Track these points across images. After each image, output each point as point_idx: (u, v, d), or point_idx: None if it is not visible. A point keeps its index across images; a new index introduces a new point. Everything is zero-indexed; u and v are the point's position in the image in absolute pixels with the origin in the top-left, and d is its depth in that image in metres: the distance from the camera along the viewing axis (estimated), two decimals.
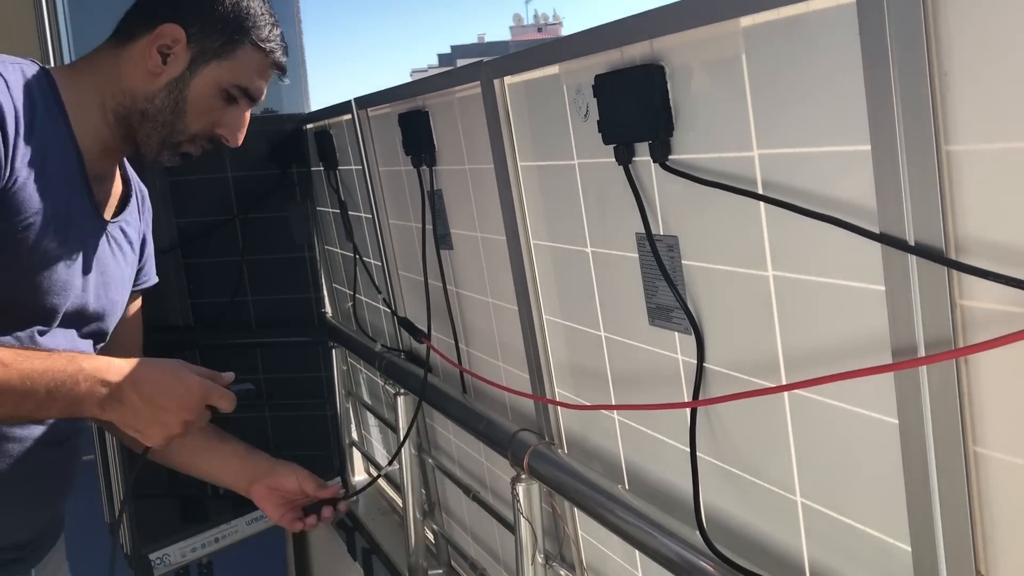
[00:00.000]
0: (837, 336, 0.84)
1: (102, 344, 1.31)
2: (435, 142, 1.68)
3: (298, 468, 1.52)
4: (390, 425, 2.38)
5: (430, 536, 2.18)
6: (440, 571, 2.20)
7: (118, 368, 1.12)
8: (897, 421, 0.78)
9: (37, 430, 1.22)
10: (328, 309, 2.70)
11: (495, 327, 1.62)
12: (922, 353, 0.73)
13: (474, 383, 1.77)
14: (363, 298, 2.39)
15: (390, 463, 2.24)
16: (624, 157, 1.07)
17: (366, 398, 2.71)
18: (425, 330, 1.86)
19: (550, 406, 1.43)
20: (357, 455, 2.75)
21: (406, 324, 1.85)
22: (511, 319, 1.51)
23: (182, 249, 2.57)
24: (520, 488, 1.44)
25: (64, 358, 1.09)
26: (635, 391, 1.21)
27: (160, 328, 2.59)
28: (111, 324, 1.31)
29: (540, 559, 1.45)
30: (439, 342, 1.86)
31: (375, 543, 2.25)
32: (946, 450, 0.74)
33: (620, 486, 1.26)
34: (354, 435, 2.76)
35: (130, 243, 1.34)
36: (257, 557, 2.80)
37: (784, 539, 0.96)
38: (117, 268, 1.30)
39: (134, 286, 1.42)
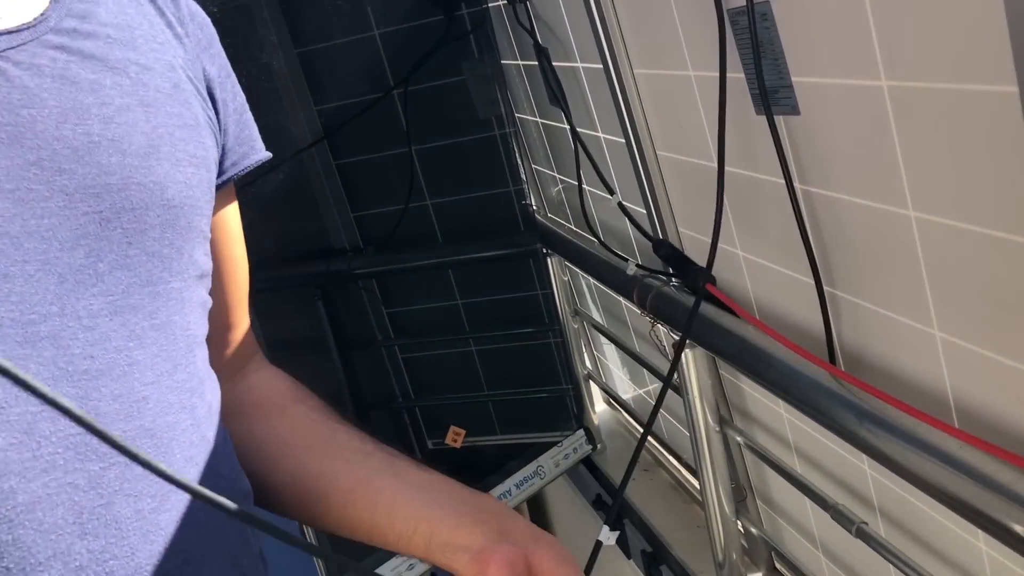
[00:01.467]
0: None
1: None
2: None
3: (556, 547, 0.69)
4: (653, 369, 1.66)
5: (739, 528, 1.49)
6: (759, 574, 1.52)
7: None
8: None
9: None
10: (532, 202, 1.96)
11: (924, 264, 0.82)
12: None
13: (855, 353, 0.99)
14: (591, 189, 1.63)
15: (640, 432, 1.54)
16: None
17: (597, 316, 2.00)
18: (705, 263, 1.08)
19: None
20: (595, 390, 2.08)
21: (671, 255, 1.07)
22: (985, 251, 0.72)
23: (330, 145, 1.89)
24: None
25: None
26: None
27: (318, 254, 1.96)
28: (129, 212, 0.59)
29: None
30: (766, 276, 1.09)
31: (657, 541, 1.58)
32: None
33: None
34: (588, 364, 2.07)
35: (122, 69, 0.61)
36: None
37: None
38: (74, 107, 0.57)
39: (224, 168, 0.72)
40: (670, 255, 1.05)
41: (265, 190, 1.90)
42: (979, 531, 0.90)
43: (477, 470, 1.81)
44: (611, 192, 1.27)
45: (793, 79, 0.90)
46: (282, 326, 2.05)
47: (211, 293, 0.70)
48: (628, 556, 1.69)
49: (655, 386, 1.86)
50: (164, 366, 0.61)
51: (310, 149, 1.88)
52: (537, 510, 2.33)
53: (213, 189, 0.69)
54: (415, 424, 2.04)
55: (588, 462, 1.94)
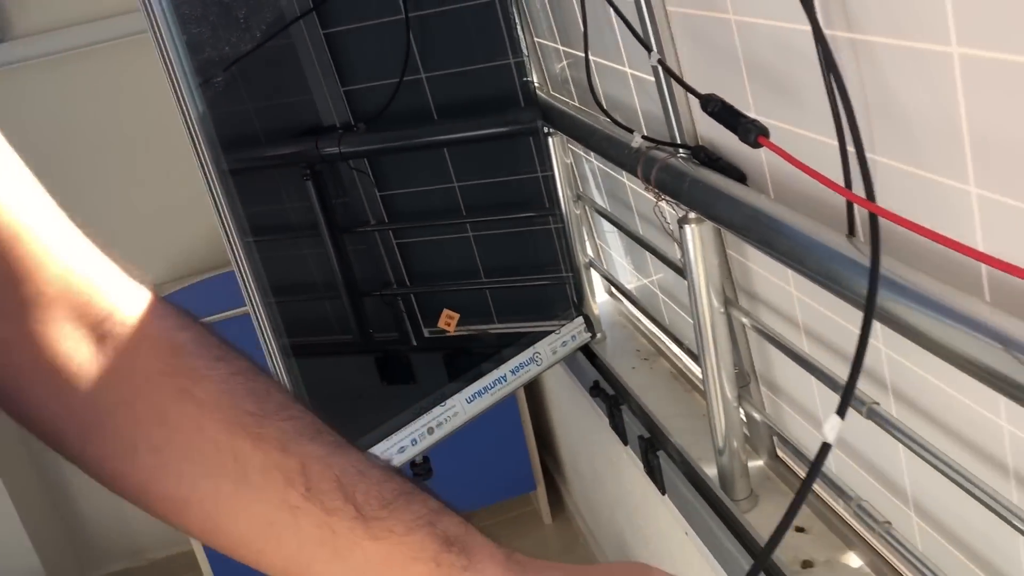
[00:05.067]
0: None
1: None
2: None
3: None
4: (656, 251, 1.59)
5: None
6: (760, 461, 1.48)
7: None
8: None
9: None
10: (534, 78, 1.85)
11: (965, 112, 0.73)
12: None
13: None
14: (599, 60, 1.52)
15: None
16: None
17: (600, 200, 1.92)
18: (752, 115, 0.99)
19: None
20: (596, 279, 2.01)
21: (722, 110, 0.98)
22: None
23: (319, 16, 1.77)
24: None
25: None
26: None
27: (305, 131, 1.86)
28: None
29: None
30: (790, 139, 1.01)
31: (655, 427, 1.54)
32: None
33: None
34: (589, 251, 2.00)
35: None
36: (487, 446, 2.17)
37: None
38: None
39: None
40: (720, 110, 0.96)
41: (249, 63, 1.79)
42: (1001, 408, 0.84)
43: (472, 357, 1.76)
44: (649, 49, 1.16)
45: None
46: (270, 209, 1.97)
47: None
48: (624, 442, 1.65)
49: (659, 275, 1.79)
50: None
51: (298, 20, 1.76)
52: (534, 398, 2.30)
53: None
54: (410, 312, 1.98)
55: (588, 351, 1.88)
